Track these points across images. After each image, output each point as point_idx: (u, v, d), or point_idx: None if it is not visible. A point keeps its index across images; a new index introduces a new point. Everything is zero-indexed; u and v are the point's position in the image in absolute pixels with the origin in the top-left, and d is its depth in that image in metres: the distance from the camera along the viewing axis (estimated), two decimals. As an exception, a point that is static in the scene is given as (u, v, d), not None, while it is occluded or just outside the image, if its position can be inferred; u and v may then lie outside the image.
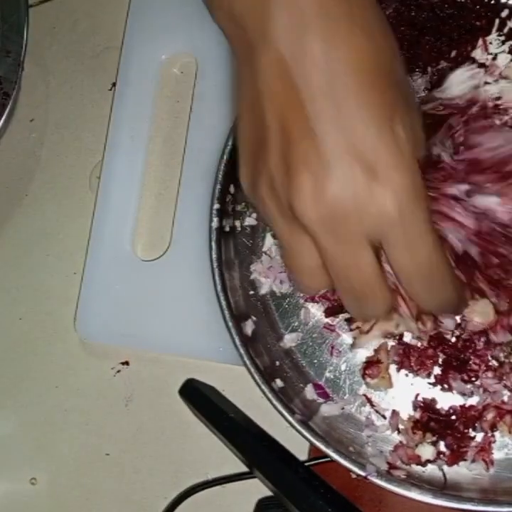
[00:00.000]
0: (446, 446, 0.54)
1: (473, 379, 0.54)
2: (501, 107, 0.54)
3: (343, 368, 0.57)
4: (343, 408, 0.56)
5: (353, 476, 0.52)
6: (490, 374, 0.54)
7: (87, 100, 0.65)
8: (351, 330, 0.56)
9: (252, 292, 0.58)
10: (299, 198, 0.41)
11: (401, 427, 0.55)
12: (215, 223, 0.55)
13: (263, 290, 0.58)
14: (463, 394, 0.55)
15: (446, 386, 0.55)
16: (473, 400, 0.55)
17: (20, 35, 0.62)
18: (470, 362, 0.54)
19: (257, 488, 0.56)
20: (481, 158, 0.47)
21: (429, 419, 0.54)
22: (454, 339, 0.55)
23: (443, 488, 0.52)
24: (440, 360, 0.55)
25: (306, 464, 0.56)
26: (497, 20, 0.56)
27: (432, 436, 0.54)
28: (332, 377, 0.57)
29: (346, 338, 0.57)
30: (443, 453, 0.54)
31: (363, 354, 0.56)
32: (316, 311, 0.57)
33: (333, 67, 0.40)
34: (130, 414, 0.61)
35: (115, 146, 0.63)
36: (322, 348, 0.57)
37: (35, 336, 0.63)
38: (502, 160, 0.47)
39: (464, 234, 0.46)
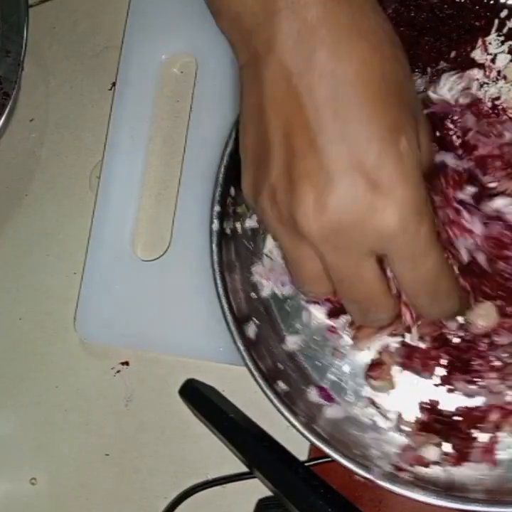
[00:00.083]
0: (451, 447, 0.54)
1: (477, 380, 0.54)
2: (500, 107, 0.54)
3: (346, 370, 0.56)
4: (347, 410, 0.56)
5: (359, 478, 0.51)
6: (494, 374, 0.53)
7: (87, 100, 0.65)
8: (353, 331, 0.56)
9: (253, 295, 0.57)
10: (300, 210, 0.41)
11: (405, 428, 0.55)
12: (215, 226, 0.55)
13: (265, 292, 0.58)
14: (467, 395, 0.54)
15: (450, 387, 0.54)
16: (477, 401, 0.54)
17: (20, 35, 0.62)
18: (474, 363, 0.54)
19: (257, 488, 0.55)
20: (488, 157, 0.47)
21: (434, 421, 0.54)
22: (457, 340, 0.54)
23: (448, 489, 0.52)
24: (444, 361, 0.54)
25: (306, 464, 0.56)
26: (496, 21, 0.56)
27: (437, 437, 0.54)
28: (335, 379, 0.56)
29: (349, 340, 0.56)
30: (448, 454, 0.54)
31: (366, 356, 0.56)
32: (318, 313, 0.57)
33: (338, 80, 0.40)
34: (130, 414, 0.61)
35: (115, 146, 0.63)
36: (325, 350, 0.57)
37: (35, 335, 0.63)
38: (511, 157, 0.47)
39: (472, 241, 0.45)
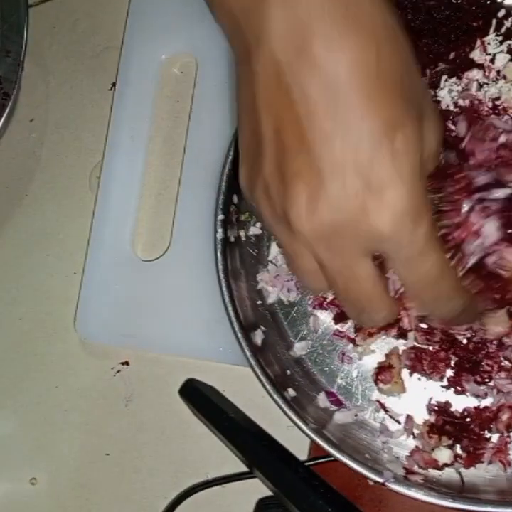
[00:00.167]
0: (463, 448, 0.53)
1: (487, 380, 0.54)
2: (501, 107, 0.55)
3: (354, 374, 0.56)
4: (356, 415, 0.55)
5: (370, 482, 0.51)
6: (503, 374, 0.53)
7: (87, 100, 0.65)
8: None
9: (259, 302, 0.57)
10: (293, 209, 0.40)
11: (416, 431, 0.54)
12: (219, 234, 0.55)
13: (271, 299, 0.57)
14: (477, 395, 0.54)
15: (459, 388, 0.54)
16: (487, 402, 0.54)
17: (20, 35, 0.62)
18: (482, 363, 0.53)
19: (257, 488, 0.56)
20: (485, 162, 0.46)
21: (444, 423, 0.54)
22: (465, 341, 0.54)
23: (461, 491, 0.51)
24: (452, 363, 0.54)
25: (306, 463, 0.56)
26: (494, 21, 0.56)
27: (448, 439, 0.53)
28: (344, 384, 0.56)
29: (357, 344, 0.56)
30: (459, 456, 0.53)
31: (374, 359, 0.55)
32: (325, 318, 0.57)
33: (331, 75, 0.38)
34: (130, 414, 0.61)
35: (115, 146, 0.63)
36: (333, 355, 0.56)
37: (35, 335, 0.63)
38: None
39: (480, 243, 0.45)
